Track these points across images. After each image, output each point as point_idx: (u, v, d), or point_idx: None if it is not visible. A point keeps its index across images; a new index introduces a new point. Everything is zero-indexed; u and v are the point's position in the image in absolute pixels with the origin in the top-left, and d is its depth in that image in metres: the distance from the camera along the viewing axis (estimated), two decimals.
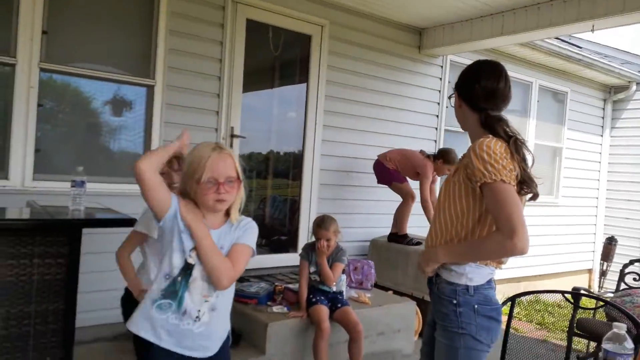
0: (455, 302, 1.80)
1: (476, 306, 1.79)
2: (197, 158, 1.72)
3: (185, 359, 1.75)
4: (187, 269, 1.72)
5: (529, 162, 1.78)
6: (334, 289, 3.45)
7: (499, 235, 1.67)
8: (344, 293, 3.63)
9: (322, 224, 3.41)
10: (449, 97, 2.02)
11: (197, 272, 1.73)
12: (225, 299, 1.82)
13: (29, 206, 2.97)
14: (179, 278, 1.72)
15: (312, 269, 3.45)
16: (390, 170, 4.61)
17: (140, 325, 1.73)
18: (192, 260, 1.73)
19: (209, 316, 1.76)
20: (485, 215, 1.77)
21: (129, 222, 2.70)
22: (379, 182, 4.77)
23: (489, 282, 1.86)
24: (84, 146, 3.76)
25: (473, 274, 1.81)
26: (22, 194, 3.24)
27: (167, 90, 3.89)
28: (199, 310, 1.74)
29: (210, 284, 1.75)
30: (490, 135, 1.77)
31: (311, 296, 3.36)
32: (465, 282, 1.80)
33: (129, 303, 2.18)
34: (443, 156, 4.57)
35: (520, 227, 1.63)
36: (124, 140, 3.95)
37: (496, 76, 1.87)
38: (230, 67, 4.19)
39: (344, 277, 3.61)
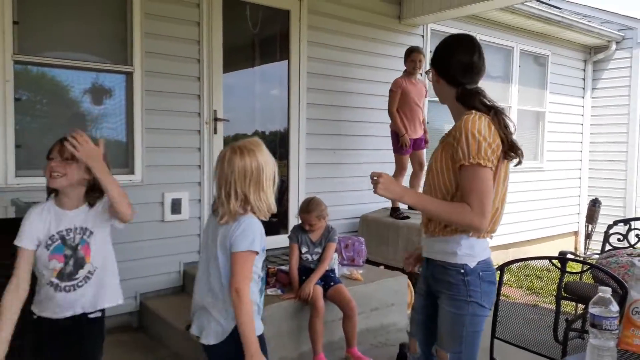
0: (463, 271, 1.85)
1: (481, 273, 1.86)
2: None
3: None
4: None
5: (512, 129, 1.84)
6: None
7: (470, 210, 1.75)
8: (336, 271, 3.68)
9: (304, 207, 3.45)
10: (427, 72, 2.07)
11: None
12: None
13: (14, 204, 2.93)
14: (263, 272, 1.94)
15: (304, 250, 3.47)
16: (392, 137, 4.67)
17: (260, 326, 1.88)
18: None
19: None
20: None
21: None
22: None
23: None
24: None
25: (479, 244, 1.88)
26: (6, 192, 3.19)
27: (146, 76, 3.82)
28: None
29: None
30: (474, 111, 1.81)
31: (304, 277, 3.39)
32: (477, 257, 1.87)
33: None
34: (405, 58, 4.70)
35: (489, 212, 1.76)
36: (106, 130, 3.88)
37: (471, 50, 1.92)
38: (209, 48, 4.12)
39: (335, 255, 3.64)
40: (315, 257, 3.48)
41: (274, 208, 1.86)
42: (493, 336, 2.64)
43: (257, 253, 1.80)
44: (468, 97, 1.87)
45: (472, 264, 1.84)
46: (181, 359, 3.31)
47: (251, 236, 1.77)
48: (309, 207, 3.42)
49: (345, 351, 3.40)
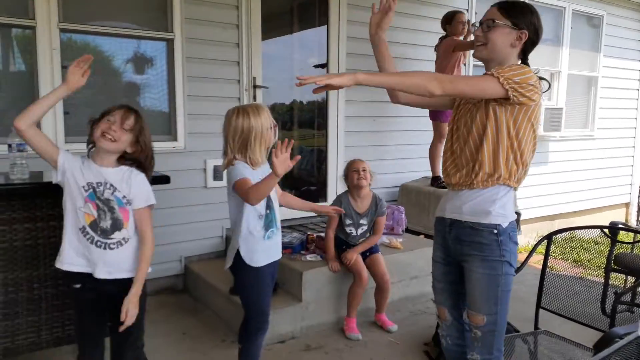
0: (496, 231, 1.84)
1: (511, 234, 1.87)
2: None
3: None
4: (269, 200, 2.26)
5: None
6: None
7: (430, 75, 1.78)
8: None
9: (352, 161, 3.42)
10: (474, 24, 2.00)
11: (274, 198, 2.31)
12: None
13: None
14: (268, 211, 2.26)
15: (348, 222, 3.34)
16: None
17: (262, 259, 2.24)
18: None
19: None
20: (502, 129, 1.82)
21: (163, 179, 2.72)
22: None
23: None
24: (110, 105, 3.76)
25: (510, 204, 1.87)
26: None
27: (186, 43, 3.83)
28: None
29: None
30: None
31: (344, 247, 3.37)
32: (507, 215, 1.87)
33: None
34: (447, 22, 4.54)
35: (450, 85, 1.75)
36: (148, 98, 3.94)
37: (541, 25, 1.98)
38: (248, 14, 4.07)
39: None
40: (359, 232, 3.37)
41: (260, 162, 2.25)
42: (538, 306, 2.59)
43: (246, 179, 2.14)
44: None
45: (504, 224, 1.85)
46: (223, 320, 3.40)
47: (238, 171, 2.17)
48: (356, 158, 3.43)
49: (374, 316, 3.43)
